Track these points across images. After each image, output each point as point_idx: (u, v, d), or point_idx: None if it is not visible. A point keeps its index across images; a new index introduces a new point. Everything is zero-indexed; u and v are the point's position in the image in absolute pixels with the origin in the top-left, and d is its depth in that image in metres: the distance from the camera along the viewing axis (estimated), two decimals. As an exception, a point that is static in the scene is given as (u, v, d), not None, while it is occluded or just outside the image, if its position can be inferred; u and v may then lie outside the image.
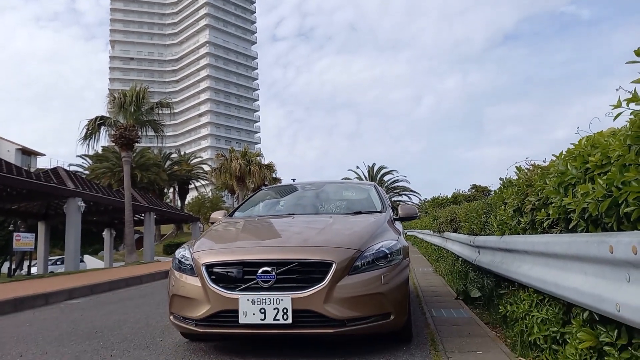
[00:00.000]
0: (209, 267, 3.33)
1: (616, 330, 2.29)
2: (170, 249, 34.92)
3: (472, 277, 6.29)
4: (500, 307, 4.41)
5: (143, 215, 24.25)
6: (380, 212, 4.56)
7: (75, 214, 17.08)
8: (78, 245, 17.13)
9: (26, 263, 14.58)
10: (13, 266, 11.82)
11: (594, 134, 2.66)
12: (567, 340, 2.89)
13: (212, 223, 5.03)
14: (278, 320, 3.08)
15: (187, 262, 3.56)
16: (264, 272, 3.19)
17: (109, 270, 14.95)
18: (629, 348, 2.20)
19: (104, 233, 28.07)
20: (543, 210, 3.10)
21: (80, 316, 5.99)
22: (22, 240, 11.78)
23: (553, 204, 2.85)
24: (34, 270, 19.96)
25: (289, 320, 3.07)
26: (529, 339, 3.34)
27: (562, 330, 3.00)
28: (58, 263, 30.60)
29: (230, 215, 4.90)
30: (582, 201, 2.39)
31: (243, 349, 3.58)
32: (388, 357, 3.27)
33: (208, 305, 3.23)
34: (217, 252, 3.46)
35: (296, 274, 3.19)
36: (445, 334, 4.04)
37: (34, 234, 12.36)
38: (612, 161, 2.24)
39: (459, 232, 7.93)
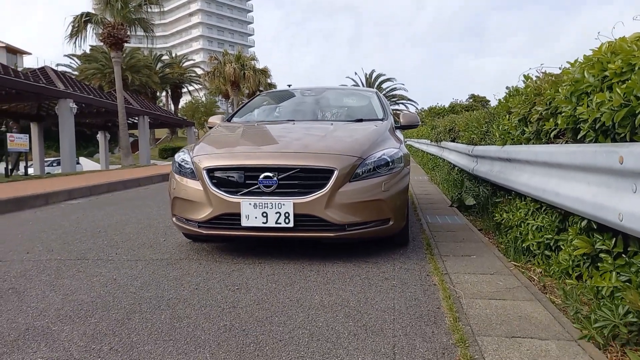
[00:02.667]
0: (210, 171, 3.32)
1: (613, 239, 2.34)
2: (165, 153, 35.06)
3: (467, 186, 6.38)
4: (495, 215, 4.52)
5: (137, 118, 23.96)
6: (382, 120, 4.47)
7: (68, 116, 16.82)
8: (73, 147, 17.09)
9: (22, 164, 14.60)
10: (9, 167, 11.84)
11: (616, 39, 2.51)
12: (561, 247, 2.98)
13: (210, 127, 4.95)
14: (280, 223, 3.14)
15: (188, 166, 3.54)
16: (266, 177, 3.18)
17: (106, 172, 15.07)
18: (624, 255, 2.27)
19: (98, 136, 27.93)
20: (551, 120, 3.03)
21: (82, 215, 6.10)
22: (16, 141, 11.68)
23: (563, 114, 2.78)
24: (30, 171, 20.09)
25: (291, 224, 3.13)
26: (523, 245, 3.45)
27: (557, 237, 3.09)
28: (54, 164, 30.80)
29: (229, 120, 4.80)
30: (595, 111, 2.32)
31: (245, 247, 3.69)
32: (385, 259, 3.38)
33: (210, 209, 3.26)
34: (218, 157, 3.42)
35: (298, 179, 3.19)
36: (440, 239, 4.16)
37: (27, 135, 12.23)
38: (635, 68, 2.14)
39: (457, 142, 7.92)
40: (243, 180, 3.24)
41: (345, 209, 3.17)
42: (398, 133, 4.44)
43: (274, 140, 3.74)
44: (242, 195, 3.21)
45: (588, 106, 2.37)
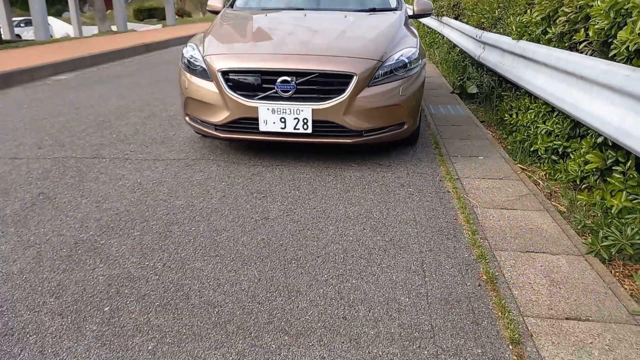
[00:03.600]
0: (225, 73, 3.21)
1: (628, 161, 2.46)
2: (141, 14, 32.73)
3: (470, 72, 6.29)
4: (501, 111, 4.57)
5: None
6: (395, 9, 4.23)
7: (33, -27, 15.23)
8: (44, 10, 15.80)
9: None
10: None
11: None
12: (570, 155, 3.11)
13: (211, 12, 4.63)
14: (298, 129, 3.16)
15: (197, 64, 3.41)
16: (284, 81, 3.12)
17: (86, 41, 14.20)
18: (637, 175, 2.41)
19: (67, -6, 25.60)
20: (582, 30, 2.93)
21: (76, 98, 5.94)
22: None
23: (596, 26, 2.69)
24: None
25: (309, 130, 3.16)
26: (531, 148, 3.57)
27: (566, 144, 3.20)
28: (22, 25, 28.67)
29: (231, 6, 4.47)
30: (636, 37, 2.26)
31: (259, 147, 3.74)
32: (398, 162, 3.50)
33: (227, 112, 3.23)
34: (232, 58, 3.28)
35: (316, 84, 3.14)
36: (446, 135, 4.26)
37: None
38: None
39: (461, 21, 7.58)
40: (260, 83, 3.17)
41: (362, 115, 3.18)
42: (412, 25, 4.25)
43: (289, 37, 3.55)
44: (259, 99, 3.17)
45: (632, 32, 2.29)
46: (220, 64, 3.24)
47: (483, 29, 5.83)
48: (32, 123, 4.63)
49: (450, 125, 4.63)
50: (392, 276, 2.01)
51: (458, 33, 7.66)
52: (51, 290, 1.88)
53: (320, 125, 3.17)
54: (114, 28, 19.84)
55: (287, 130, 3.17)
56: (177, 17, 27.55)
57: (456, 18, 8.13)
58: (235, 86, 3.21)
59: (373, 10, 4.17)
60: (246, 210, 2.64)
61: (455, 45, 8.14)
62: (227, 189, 2.96)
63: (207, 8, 4.69)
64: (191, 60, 3.48)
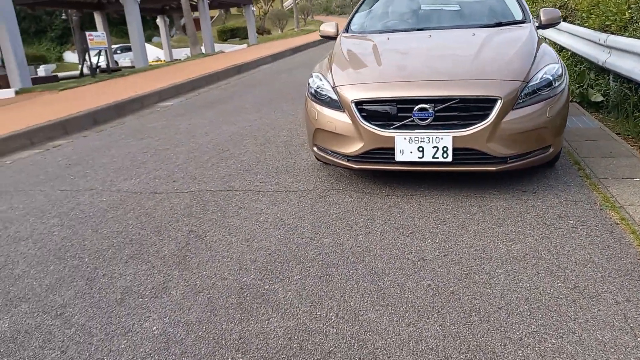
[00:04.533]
0: (358, 104, 3.15)
1: None
2: (224, 35, 34.32)
3: (592, 78, 5.80)
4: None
5: (194, 0, 23.11)
6: (522, 22, 3.96)
7: (133, 5, 16.50)
8: (142, 39, 17.03)
9: (102, 60, 14.81)
10: (93, 65, 12.06)
11: None
12: None
13: (325, 37, 4.63)
14: (437, 158, 3.01)
15: (325, 94, 3.38)
16: (421, 109, 2.99)
17: (182, 66, 15.02)
18: None
19: (157, 21, 27.51)
20: None
21: (189, 126, 6.22)
22: (95, 40, 11.72)
23: None
24: (103, 62, 20.52)
25: (449, 159, 3.00)
26: (701, 169, 3.15)
27: None
28: (119, 52, 31.12)
29: (346, 30, 4.44)
30: None
31: (385, 175, 3.64)
32: (542, 187, 3.24)
33: (361, 143, 3.16)
34: (365, 88, 3.21)
35: (456, 111, 2.98)
36: (584, 152, 3.90)
37: (104, 33, 12.19)
38: None
39: (571, 23, 7.05)
40: (395, 112, 3.06)
41: (507, 140, 2.97)
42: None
43: (421, 61, 3.42)
44: (395, 129, 3.06)
45: None
46: (353, 94, 3.18)
47: (608, 32, 5.35)
48: (158, 154, 4.88)
49: (584, 140, 4.25)
50: (596, 335, 1.79)
51: (569, 36, 7.13)
52: (235, 345, 1.87)
53: (461, 153, 3.00)
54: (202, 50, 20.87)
55: (425, 159, 3.03)
56: (257, 35, 28.51)
57: (564, 20, 7.58)
58: (370, 116, 3.13)
59: (499, 24, 3.93)
60: (399, 250, 2.53)
61: (562, 49, 7.60)
62: (370, 224, 2.87)
63: (319, 34, 4.69)
64: (318, 90, 3.46)
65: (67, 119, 6.96)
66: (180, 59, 25.12)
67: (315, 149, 3.57)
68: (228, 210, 3.23)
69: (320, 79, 3.52)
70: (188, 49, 34.99)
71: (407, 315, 1.98)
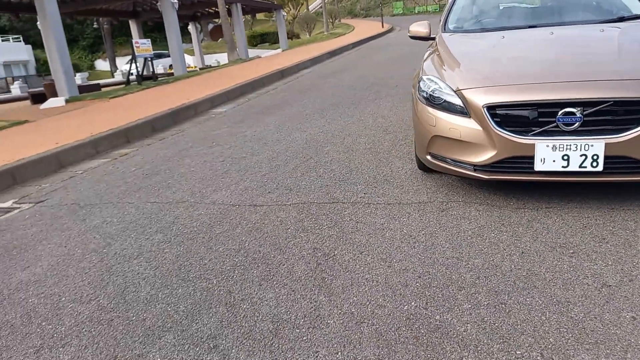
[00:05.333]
0: (491, 108, 2.87)
1: None
2: (254, 40, 34.44)
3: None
4: None
5: (227, 6, 23.15)
6: None
7: (171, 12, 16.53)
8: (181, 46, 17.06)
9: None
10: (140, 73, 12.07)
11: None
12: None
13: (415, 38, 4.37)
14: (584, 167, 2.71)
15: (442, 98, 3.11)
16: (567, 113, 2.69)
17: (222, 71, 14.95)
18: None
19: (189, 27, 27.70)
20: None
21: (255, 132, 6.02)
22: (141, 47, 11.71)
23: None
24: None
25: (599, 168, 2.69)
26: None
27: None
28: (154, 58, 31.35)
29: (444, 29, 4.16)
30: None
31: (507, 185, 3.35)
32: (696, 199, 2.90)
33: (493, 151, 2.87)
34: (499, 90, 2.92)
35: (609, 114, 2.67)
36: None
37: (149, 40, 12.21)
38: None
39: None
40: (536, 117, 2.77)
41: None
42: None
43: (555, 60, 3.12)
44: (535, 135, 2.77)
45: None
46: (484, 98, 2.90)
47: None
48: (237, 163, 4.68)
49: None
50: None
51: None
52: (438, 390, 1.61)
53: (614, 161, 2.69)
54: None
55: (571, 169, 2.73)
56: (287, 39, 28.42)
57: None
58: (504, 122, 2.85)
59: (622, 19, 3.61)
60: (570, 274, 2.23)
61: None
62: (517, 242, 2.58)
63: (409, 34, 4.43)
64: (434, 94, 3.20)
65: (128, 127, 6.86)
66: (211, 66, 25.30)
67: (429, 157, 3.30)
68: (344, 225, 2.98)
69: (435, 82, 3.25)
70: (217, 55, 35.25)
71: (628, 356, 1.69)
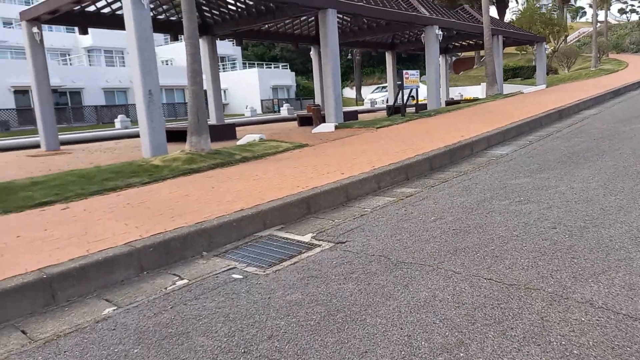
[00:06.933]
0: None
1: None
2: (505, 74, 32.26)
3: None
4: None
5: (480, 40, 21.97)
6: None
7: (434, 44, 16.25)
8: (438, 78, 16.64)
9: (382, 97, 14.85)
10: (405, 103, 11.93)
11: None
12: None
13: None
14: None
15: None
16: None
17: (485, 106, 13.84)
18: None
19: (439, 58, 27.37)
20: None
21: (573, 192, 4.69)
22: (410, 78, 11.54)
23: None
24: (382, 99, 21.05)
25: None
26: None
27: None
28: (376, 91, 32.25)
29: None
30: None
31: None
32: None
33: None
34: None
35: None
36: None
37: (418, 71, 12.02)
38: None
39: None
40: None
41: None
42: None
43: None
44: None
45: None
46: None
47: None
48: (579, 236, 3.48)
49: None
50: None
51: None
52: None
53: None
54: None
55: None
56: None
57: None
58: None
59: None
60: None
61: None
62: None
63: None
64: None
65: (409, 164, 6.32)
66: (453, 99, 24.34)
67: None
68: None
69: None
70: (458, 88, 34.18)
71: None
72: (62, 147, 12.88)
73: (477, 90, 34.81)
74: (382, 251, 3.55)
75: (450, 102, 23.73)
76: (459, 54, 47.50)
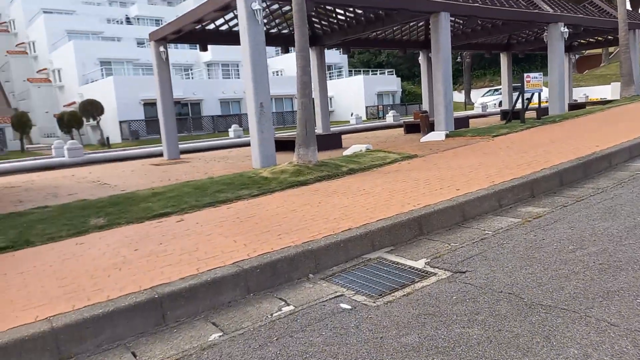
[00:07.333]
0: None
1: None
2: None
3: None
4: None
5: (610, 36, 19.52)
6: None
7: (558, 42, 14.79)
8: (562, 80, 15.12)
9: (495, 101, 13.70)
10: (495, 105, 10.93)
11: None
12: None
13: None
14: None
15: None
16: None
17: (620, 110, 12.22)
18: None
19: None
20: None
21: None
22: (532, 81, 10.54)
23: None
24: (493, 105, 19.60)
25: None
26: None
27: None
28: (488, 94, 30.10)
29: None
30: None
31: None
32: None
33: None
34: None
35: None
36: None
37: (541, 74, 10.94)
38: None
39: None
40: None
41: None
42: None
43: None
44: None
45: None
46: None
47: None
48: None
49: None
50: None
51: None
52: None
53: None
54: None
55: None
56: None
57: None
58: None
59: None
60: None
61: None
62: None
63: None
64: None
65: (534, 178, 5.62)
66: (577, 101, 21.90)
67: None
68: None
69: None
70: (582, 88, 30.95)
71: None
72: (181, 156, 13.80)
73: (606, 91, 31.22)
74: (511, 287, 3.06)
75: (574, 105, 21.53)
76: (583, 51, 43.27)
